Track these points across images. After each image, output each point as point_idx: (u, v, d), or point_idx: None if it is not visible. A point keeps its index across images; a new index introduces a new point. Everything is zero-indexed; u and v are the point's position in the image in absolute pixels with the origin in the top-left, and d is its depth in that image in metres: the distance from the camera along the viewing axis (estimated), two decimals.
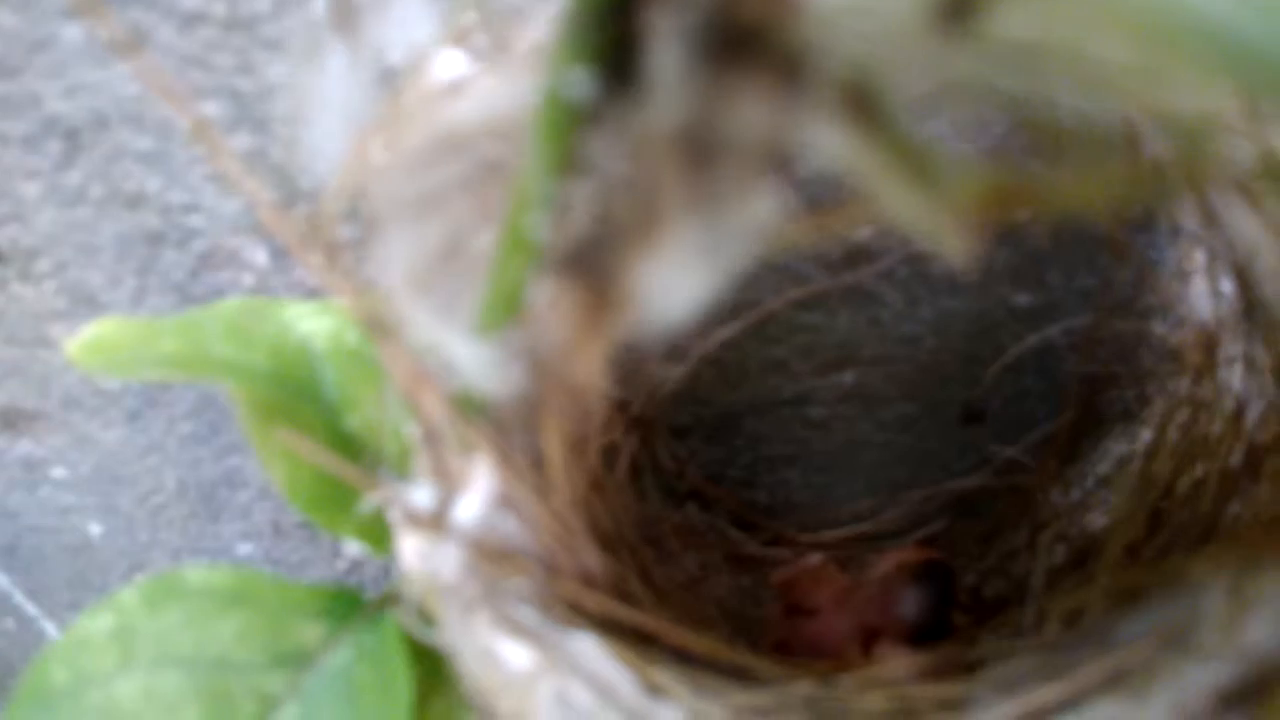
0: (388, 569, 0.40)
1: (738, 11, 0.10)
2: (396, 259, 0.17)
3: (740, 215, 0.12)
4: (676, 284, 0.12)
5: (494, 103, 0.17)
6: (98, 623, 0.24)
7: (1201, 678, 0.17)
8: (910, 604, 0.33)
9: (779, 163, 0.11)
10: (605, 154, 0.13)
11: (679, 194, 0.12)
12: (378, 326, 0.19)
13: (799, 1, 0.10)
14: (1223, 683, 0.16)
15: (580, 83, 0.12)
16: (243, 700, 0.24)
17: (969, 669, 0.24)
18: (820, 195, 0.15)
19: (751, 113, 0.10)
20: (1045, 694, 0.20)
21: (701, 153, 0.11)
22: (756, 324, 0.33)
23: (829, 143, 0.10)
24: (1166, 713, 0.17)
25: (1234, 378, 0.28)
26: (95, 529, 0.39)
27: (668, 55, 0.11)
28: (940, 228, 0.10)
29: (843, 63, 0.10)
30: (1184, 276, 0.29)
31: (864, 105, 0.10)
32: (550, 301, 0.15)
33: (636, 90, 0.12)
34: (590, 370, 0.16)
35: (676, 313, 0.13)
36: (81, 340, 0.26)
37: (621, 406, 0.33)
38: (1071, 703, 0.19)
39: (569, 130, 0.13)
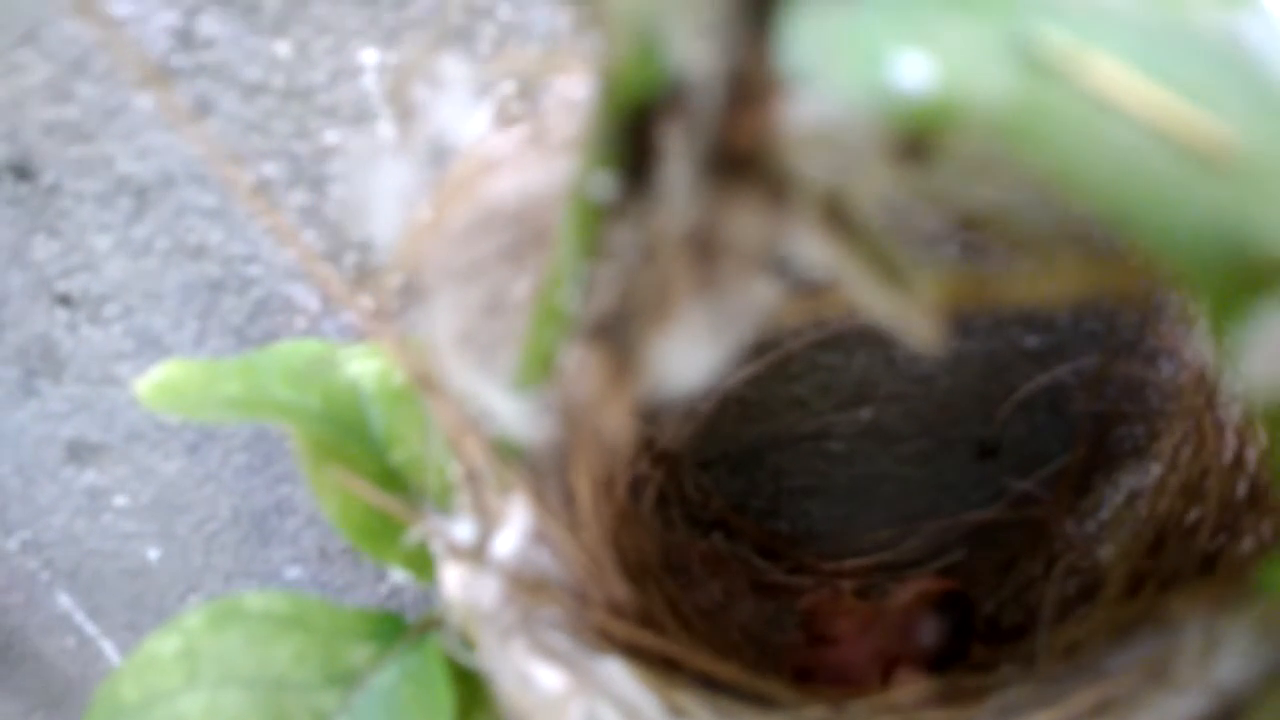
0: (427, 594, 0.42)
1: (733, 138, 0.12)
2: (444, 319, 0.19)
3: (741, 299, 0.13)
4: (686, 357, 0.14)
5: (532, 181, 0.19)
6: (165, 644, 0.26)
7: (1177, 709, 0.18)
8: (931, 633, 0.34)
9: (772, 259, 0.13)
10: (625, 243, 0.15)
11: (688, 282, 0.14)
12: (423, 377, 0.21)
13: (781, 132, 0.12)
14: (1195, 714, 0.18)
15: (603, 184, 0.14)
16: (298, 717, 0.25)
17: (976, 695, 0.25)
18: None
19: (746, 219, 0.12)
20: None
21: (707, 249, 0.13)
22: (778, 363, 0.34)
23: (810, 247, 0.12)
24: None
25: (1235, 417, 0.30)
26: (153, 554, 0.41)
27: (677, 169, 0.13)
28: (909, 320, 0.12)
29: (819, 182, 0.12)
30: (1186, 320, 0.31)
31: (838, 216, 0.12)
32: (579, 363, 0.17)
33: (651, 195, 0.13)
34: (617, 423, 0.18)
35: (687, 381, 0.15)
36: (150, 381, 0.28)
37: (648, 441, 0.34)
38: None
39: (594, 221, 0.15)
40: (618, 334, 0.16)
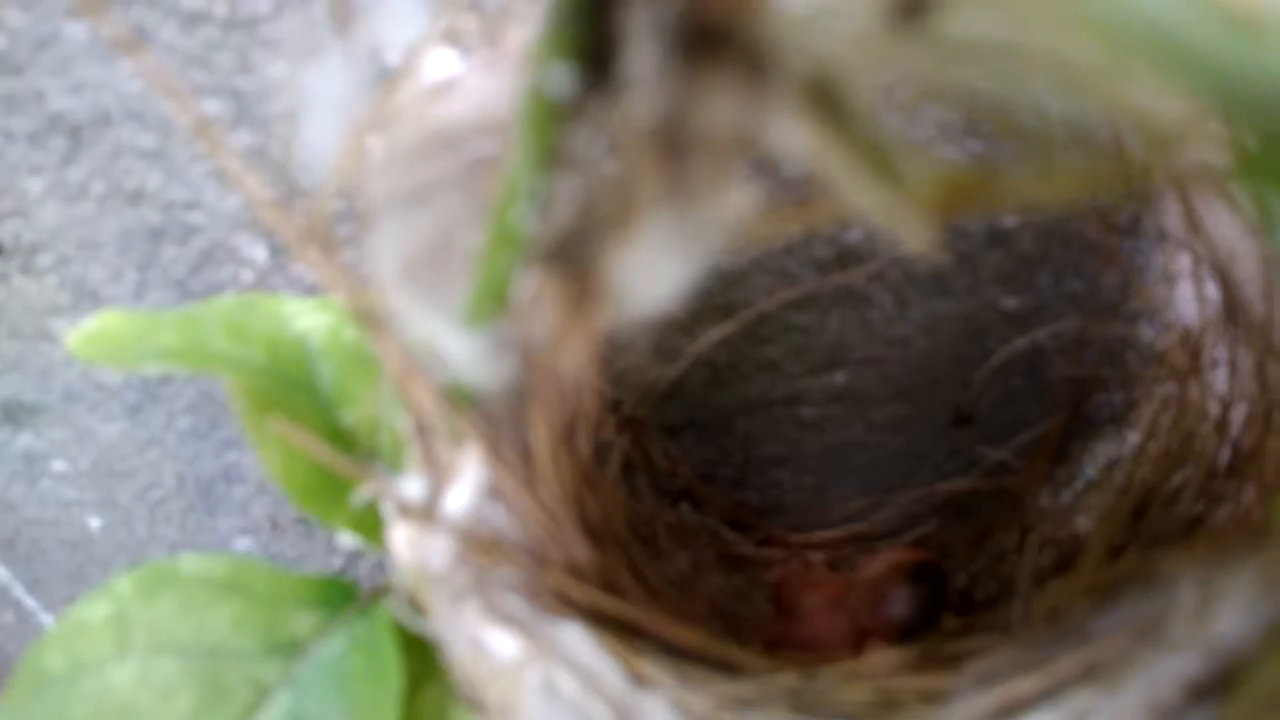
0: (383, 564, 0.40)
1: (706, 11, 0.10)
2: (388, 252, 0.18)
3: (713, 207, 0.12)
4: (652, 274, 0.13)
5: (484, 101, 0.17)
6: (93, 610, 0.25)
7: (1171, 669, 0.17)
8: (901, 605, 0.33)
9: (750, 156, 0.11)
10: (586, 148, 0.13)
11: (654, 186, 0.12)
12: (370, 319, 0.20)
13: (763, 2, 0.10)
14: (1191, 674, 0.17)
15: (561, 79, 0.13)
16: (236, 688, 0.24)
17: (952, 662, 0.24)
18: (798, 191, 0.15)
19: (721, 107, 0.11)
20: (1023, 686, 0.20)
21: (676, 146, 0.12)
22: (748, 324, 0.33)
23: (793, 137, 0.11)
24: (1138, 703, 0.18)
25: (1218, 381, 0.29)
26: (94, 523, 0.39)
27: (643, 52, 0.11)
28: (900, 219, 0.11)
29: (805, 60, 0.10)
30: (1170, 281, 0.30)
31: (826, 101, 0.10)
32: (536, 293, 0.16)
33: (614, 86, 0.12)
34: (575, 360, 0.16)
35: (652, 302, 0.13)
36: (82, 332, 0.26)
37: (614, 406, 0.33)
38: (1048, 694, 0.20)
39: (552, 125, 0.13)
40: (577, 254, 0.14)
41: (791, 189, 0.14)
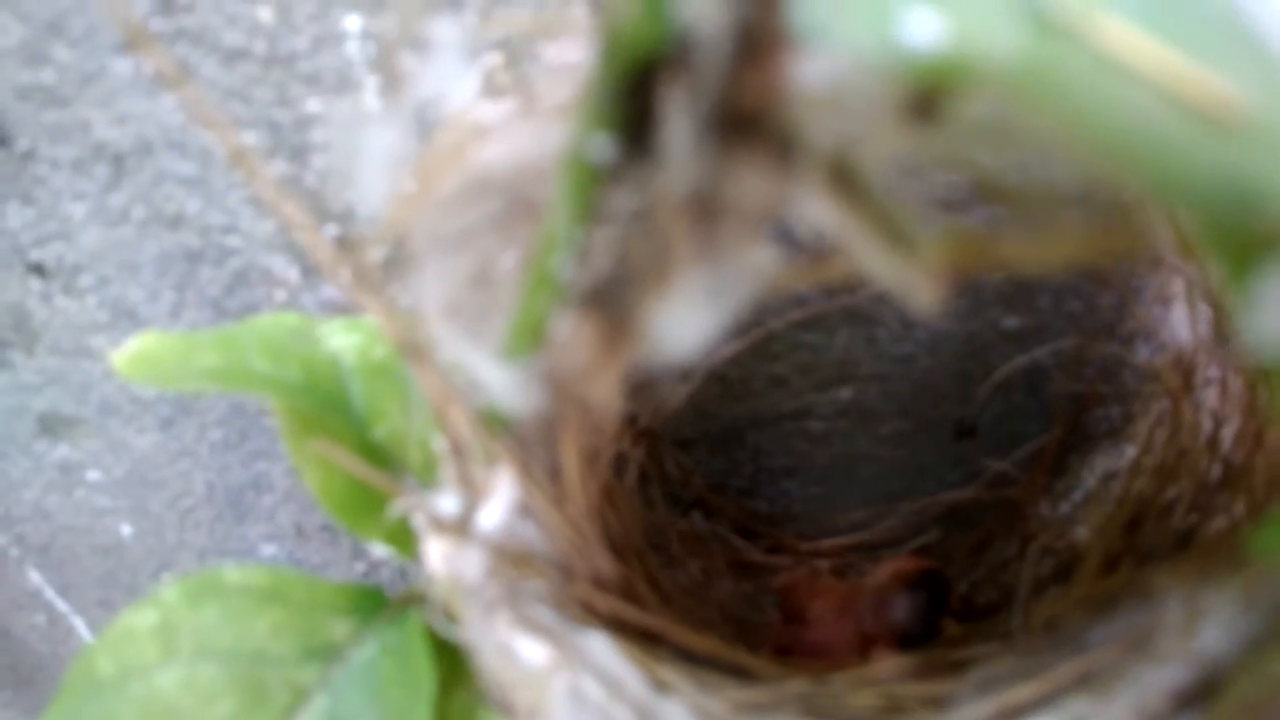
0: (404, 570, 0.42)
1: (739, 97, 0.12)
2: (431, 288, 0.19)
3: (740, 265, 0.13)
4: (684, 323, 0.14)
5: (522, 149, 0.19)
6: (141, 618, 0.26)
7: (1159, 679, 0.18)
8: (905, 611, 0.34)
9: (775, 222, 0.13)
10: (623, 207, 0.14)
11: (688, 246, 0.13)
12: (410, 347, 0.21)
13: (789, 91, 0.11)
14: (1178, 684, 0.18)
15: (601, 147, 0.14)
16: (276, 691, 0.25)
17: (954, 669, 0.25)
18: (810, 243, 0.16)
19: (750, 182, 0.12)
20: (1021, 692, 0.21)
21: (708, 212, 0.13)
22: (759, 342, 0.34)
23: (815, 209, 0.12)
24: (1128, 710, 0.19)
25: (1210, 399, 0.30)
26: (126, 530, 0.41)
27: (679, 129, 0.13)
28: (912, 282, 0.12)
29: (826, 142, 0.12)
30: (1164, 303, 0.31)
31: (844, 178, 0.12)
32: (571, 332, 0.17)
33: (652, 156, 0.13)
34: (606, 394, 0.17)
35: (684, 347, 0.14)
36: (125, 353, 0.27)
37: (630, 419, 0.34)
38: (1045, 701, 0.21)
39: (591, 185, 0.15)
40: (612, 300, 0.16)
41: (804, 246, 0.15)
